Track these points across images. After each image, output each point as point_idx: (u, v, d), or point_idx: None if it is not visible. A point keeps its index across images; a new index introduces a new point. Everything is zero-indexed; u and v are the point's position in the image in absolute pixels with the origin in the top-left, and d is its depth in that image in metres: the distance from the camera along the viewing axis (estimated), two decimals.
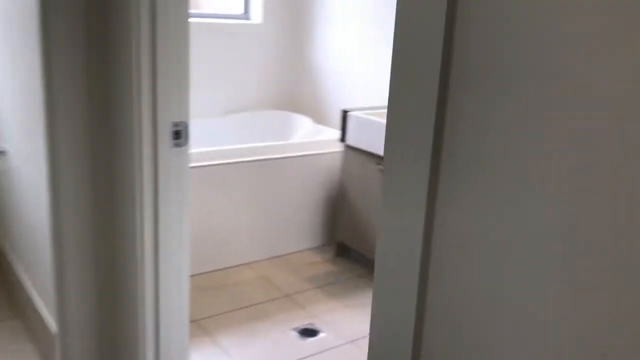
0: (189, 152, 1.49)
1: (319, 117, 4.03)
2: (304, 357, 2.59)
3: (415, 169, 0.84)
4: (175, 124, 1.45)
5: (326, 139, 3.54)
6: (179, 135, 1.47)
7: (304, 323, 2.82)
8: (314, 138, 3.59)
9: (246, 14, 4.13)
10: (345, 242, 3.45)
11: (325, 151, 3.48)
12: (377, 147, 2.98)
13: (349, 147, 3.24)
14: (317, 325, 2.82)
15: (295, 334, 2.74)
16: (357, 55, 3.77)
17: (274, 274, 3.27)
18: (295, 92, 4.24)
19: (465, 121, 0.81)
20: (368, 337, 1.04)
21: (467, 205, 0.82)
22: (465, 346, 0.86)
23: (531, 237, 0.76)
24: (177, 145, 1.47)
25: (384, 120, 3.01)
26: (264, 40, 4.09)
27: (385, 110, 3.17)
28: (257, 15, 4.07)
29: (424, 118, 0.82)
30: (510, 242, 0.78)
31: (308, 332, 2.77)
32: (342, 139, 3.27)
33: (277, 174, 3.35)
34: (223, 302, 2.96)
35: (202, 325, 2.74)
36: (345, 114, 3.20)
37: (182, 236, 1.49)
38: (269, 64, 4.15)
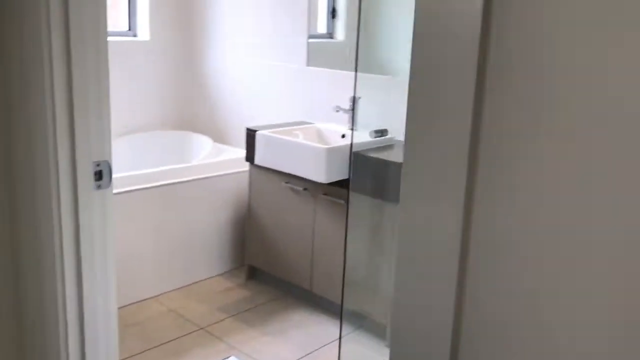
0: (112, 193, 1.33)
1: (218, 136, 3.88)
2: None
3: (451, 168, 0.78)
4: (97, 164, 1.29)
5: (231, 159, 3.41)
6: (101, 175, 1.30)
7: (223, 356, 2.67)
8: (216, 158, 3.44)
9: (132, 31, 3.89)
10: (255, 264, 3.33)
11: (231, 171, 3.35)
12: (286, 165, 2.90)
13: (256, 166, 3.13)
14: (237, 357, 2.68)
15: None
16: (253, 71, 3.67)
17: (186, 306, 3.08)
18: (191, 110, 4.06)
19: (503, 122, 0.77)
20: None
21: (504, 204, 0.78)
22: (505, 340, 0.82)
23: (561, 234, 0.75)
24: (100, 187, 1.30)
25: (292, 138, 2.94)
26: (153, 58, 3.88)
27: (291, 128, 3.07)
28: (143, 31, 3.85)
29: (460, 117, 0.76)
30: (548, 241, 0.76)
31: None
32: (249, 158, 3.16)
33: (181, 199, 3.17)
34: (133, 341, 2.73)
35: None
36: (252, 133, 3.09)
37: (109, 290, 1.32)
38: (160, 82, 3.94)
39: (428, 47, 0.79)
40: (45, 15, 1.14)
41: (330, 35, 3.66)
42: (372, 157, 2.66)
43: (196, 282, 3.30)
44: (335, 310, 3.01)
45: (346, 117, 3.11)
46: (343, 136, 3.05)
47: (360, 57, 3.43)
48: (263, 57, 3.60)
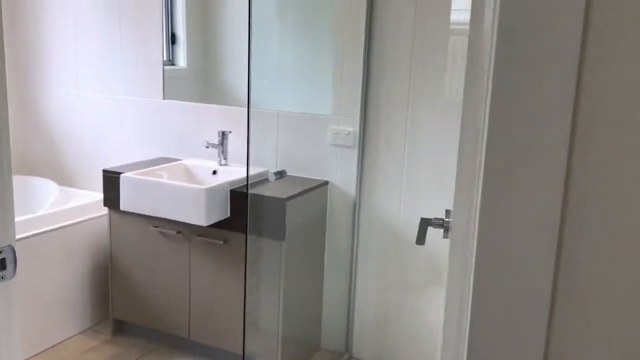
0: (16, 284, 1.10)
1: (62, 179, 3.50)
2: None
3: (544, 205, 0.71)
4: None
5: (84, 204, 3.08)
6: (4, 264, 1.07)
7: None
8: (67, 204, 3.09)
9: None
10: (122, 317, 3.04)
11: (86, 218, 3.03)
12: (158, 209, 2.68)
13: (117, 211, 2.86)
14: None
15: None
16: (102, 106, 3.38)
17: None
18: (27, 151, 3.62)
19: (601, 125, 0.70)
20: None
21: (596, 243, 0.72)
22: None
23: None
24: (4, 278, 1.07)
25: (166, 180, 2.74)
26: None
27: (156, 167, 2.85)
28: None
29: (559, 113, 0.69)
30: None
31: None
32: (108, 203, 2.88)
33: (29, 255, 2.79)
34: None
35: None
36: (111, 175, 2.82)
37: None
38: None
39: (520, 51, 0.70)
40: None
41: (171, 62, 3.49)
42: (254, 194, 2.57)
43: (55, 345, 2.93)
44: (217, 355, 2.86)
45: (212, 151, 2.98)
46: (214, 172, 2.91)
47: (216, 88, 3.32)
48: (113, 90, 3.33)
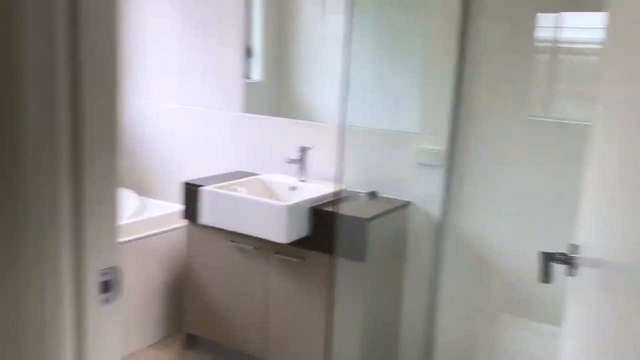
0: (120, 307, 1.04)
1: (138, 188, 3.52)
2: None
3: None
4: (104, 272, 1.00)
5: (162, 215, 3.08)
6: (109, 286, 1.02)
7: None
8: (146, 215, 3.09)
9: None
10: (195, 331, 3.00)
11: (164, 229, 3.02)
12: (237, 224, 2.63)
13: (196, 224, 2.83)
14: None
15: None
16: (180, 118, 3.38)
17: None
18: None
19: None
20: None
21: None
22: None
23: None
24: (107, 300, 1.02)
25: (244, 195, 2.68)
26: None
27: (234, 181, 2.80)
28: None
29: None
30: None
31: None
32: (188, 216, 2.85)
33: None
34: None
35: None
36: (192, 188, 2.79)
37: None
38: None
39: None
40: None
41: (246, 76, 3.46)
42: (334, 212, 2.48)
43: (125, 357, 2.92)
44: None
45: (288, 166, 2.92)
46: (293, 188, 2.85)
47: (291, 102, 3.27)
48: (191, 102, 3.33)
